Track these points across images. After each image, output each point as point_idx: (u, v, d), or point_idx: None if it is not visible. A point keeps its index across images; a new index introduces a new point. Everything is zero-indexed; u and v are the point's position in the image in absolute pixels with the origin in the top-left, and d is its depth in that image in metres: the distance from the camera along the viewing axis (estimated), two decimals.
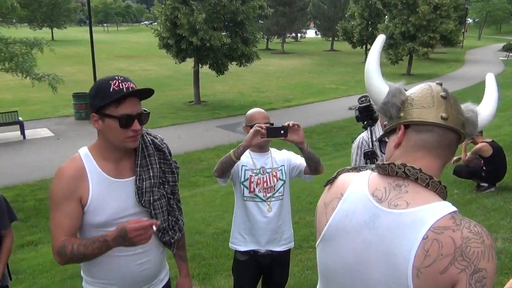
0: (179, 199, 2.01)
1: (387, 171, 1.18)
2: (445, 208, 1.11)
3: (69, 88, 19.78)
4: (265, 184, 2.67)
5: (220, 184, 2.88)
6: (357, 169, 1.30)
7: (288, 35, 49.68)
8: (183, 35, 15.15)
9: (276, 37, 46.17)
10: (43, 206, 7.68)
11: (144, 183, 1.80)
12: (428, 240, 1.06)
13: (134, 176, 1.80)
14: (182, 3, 15.34)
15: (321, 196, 1.33)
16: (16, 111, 12.68)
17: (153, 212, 1.83)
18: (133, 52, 40.12)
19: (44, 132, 13.42)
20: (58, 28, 54.40)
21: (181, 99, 18.90)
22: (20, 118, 12.63)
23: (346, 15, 34.74)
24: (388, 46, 25.53)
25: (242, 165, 2.69)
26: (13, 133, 12.60)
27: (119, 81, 1.67)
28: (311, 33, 56.20)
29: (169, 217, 1.92)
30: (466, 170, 6.07)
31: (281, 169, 2.73)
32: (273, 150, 2.82)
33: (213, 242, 4.94)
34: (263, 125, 2.32)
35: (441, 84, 1.23)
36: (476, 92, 21.54)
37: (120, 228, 1.59)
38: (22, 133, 12.52)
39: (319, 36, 53.19)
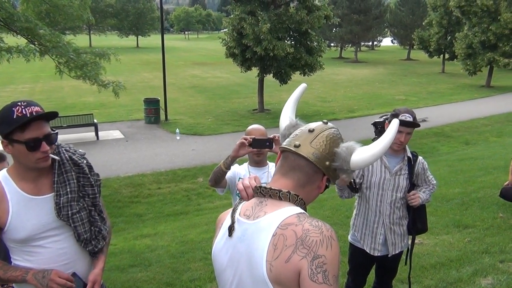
0: (101, 209, 2.12)
1: (255, 192, 1.42)
2: (292, 210, 1.30)
3: (144, 93, 21.17)
4: None
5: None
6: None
7: (363, 43, 48.75)
8: (248, 44, 15.61)
9: (350, 45, 45.53)
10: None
11: (62, 198, 1.93)
12: (276, 236, 1.25)
13: (53, 193, 1.94)
14: (249, 14, 15.80)
15: None
16: (92, 114, 13.87)
17: (72, 225, 1.96)
18: (209, 59, 41.73)
19: (115, 134, 14.49)
20: (143, 36, 58.21)
21: (246, 106, 19.38)
22: (95, 120, 13.77)
23: (423, 23, 33.47)
24: (466, 56, 24.23)
25: (239, 178, 2.85)
26: (89, 134, 13.77)
27: (22, 107, 1.77)
28: (387, 42, 54.61)
29: (92, 227, 2.04)
30: None
31: None
32: (271, 165, 2.94)
33: None
34: (248, 137, 2.46)
35: (326, 123, 1.42)
36: None
37: (45, 272, 1.85)
38: (96, 134, 13.64)
39: (396, 44, 51.60)
